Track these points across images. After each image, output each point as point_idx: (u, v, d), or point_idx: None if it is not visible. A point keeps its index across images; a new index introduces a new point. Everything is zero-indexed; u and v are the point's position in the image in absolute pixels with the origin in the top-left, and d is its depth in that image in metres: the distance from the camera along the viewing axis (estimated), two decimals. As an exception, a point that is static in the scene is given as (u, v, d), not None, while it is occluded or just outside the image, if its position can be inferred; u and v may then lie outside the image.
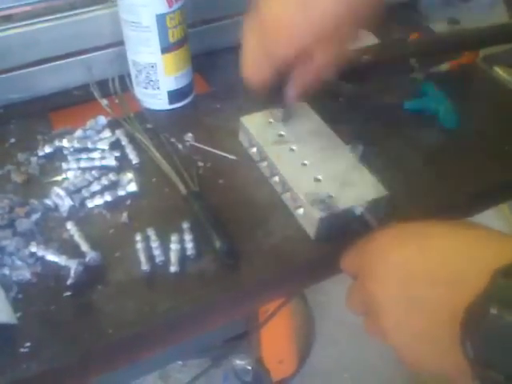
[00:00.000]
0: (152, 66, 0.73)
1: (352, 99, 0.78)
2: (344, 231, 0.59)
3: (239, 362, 1.31)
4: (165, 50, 0.72)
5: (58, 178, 0.67)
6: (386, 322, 0.43)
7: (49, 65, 0.79)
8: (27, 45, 0.76)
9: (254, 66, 0.58)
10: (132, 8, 0.68)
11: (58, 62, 0.79)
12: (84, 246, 0.59)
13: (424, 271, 0.42)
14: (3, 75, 0.77)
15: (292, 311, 1.37)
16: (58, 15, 0.76)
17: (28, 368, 0.50)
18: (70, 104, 0.80)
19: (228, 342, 1.16)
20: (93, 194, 0.64)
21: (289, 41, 0.54)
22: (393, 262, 0.44)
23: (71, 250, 0.59)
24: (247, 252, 0.60)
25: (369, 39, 0.87)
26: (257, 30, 0.56)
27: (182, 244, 0.59)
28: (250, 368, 1.33)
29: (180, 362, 1.55)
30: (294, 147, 0.66)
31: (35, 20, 0.76)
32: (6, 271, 0.57)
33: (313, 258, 0.60)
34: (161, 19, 0.69)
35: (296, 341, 1.44)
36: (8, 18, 0.75)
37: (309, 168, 0.64)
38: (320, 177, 0.63)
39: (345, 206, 0.59)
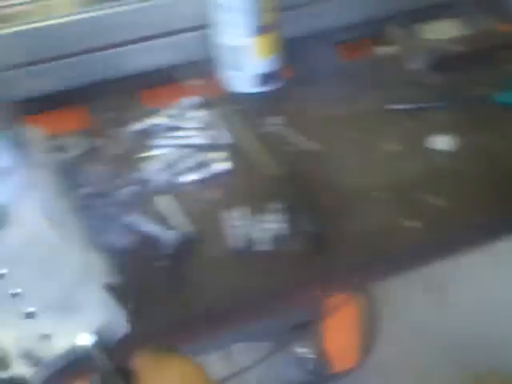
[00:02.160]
0: (242, 49, 0.74)
1: (440, 89, 0.77)
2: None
3: (301, 350, 1.32)
4: (257, 32, 0.72)
5: (150, 154, 0.69)
6: None
7: (141, 45, 0.81)
8: (123, 24, 0.78)
9: None
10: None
11: (149, 42, 0.81)
12: (178, 220, 0.60)
13: None
14: (98, 53, 0.80)
15: (358, 306, 1.36)
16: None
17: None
18: (159, 83, 0.81)
19: (292, 329, 1.16)
20: (186, 170, 0.65)
21: None
22: None
23: (165, 222, 0.60)
24: (336, 236, 0.60)
25: (457, 30, 0.85)
26: None
27: (272, 224, 0.60)
28: (311, 357, 1.33)
29: (242, 344, 1.55)
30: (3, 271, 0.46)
31: (132, 0, 0.77)
32: (106, 238, 0.59)
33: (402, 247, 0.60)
34: (255, 2, 0.69)
35: (359, 335, 1.43)
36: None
37: (20, 299, 0.45)
38: (34, 309, 0.45)
39: (62, 348, 0.44)
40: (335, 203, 0.63)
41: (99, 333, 0.46)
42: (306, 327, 1.11)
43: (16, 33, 0.74)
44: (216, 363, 1.48)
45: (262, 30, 0.72)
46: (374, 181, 0.64)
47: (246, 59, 0.74)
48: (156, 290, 0.55)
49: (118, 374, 0.46)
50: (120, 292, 0.54)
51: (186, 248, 0.58)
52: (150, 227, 0.60)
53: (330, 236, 0.59)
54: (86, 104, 0.80)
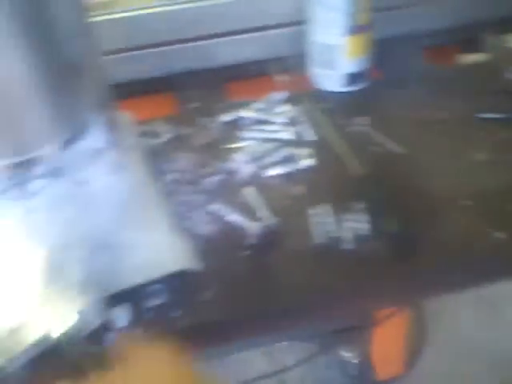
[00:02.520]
0: (335, 47, 0.74)
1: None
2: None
3: (346, 354, 1.31)
4: (351, 32, 0.72)
5: (237, 145, 0.70)
6: None
7: (232, 38, 0.82)
8: (216, 17, 0.80)
9: None
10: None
11: (241, 36, 0.82)
12: (262, 212, 0.61)
13: None
14: (190, 44, 0.81)
15: (407, 316, 1.35)
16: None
17: (208, 315, 0.53)
18: (246, 77, 0.82)
19: (337, 332, 1.15)
20: (271, 164, 0.66)
21: None
22: None
23: (249, 213, 0.61)
24: (419, 242, 0.59)
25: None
26: None
27: (355, 224, 0.60)
28: (356, 362, 1.32)
29: (285, 343, 1.56)
30: None
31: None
32: (190, 224, 0.60)
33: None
34: (353, 1, 0.69)
35: (406, 345, 1.41)
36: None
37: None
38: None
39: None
40: (420, 208, 0.62)
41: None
42: (354, 332, 1.10)
43: (116, 20, 0.77)
44: (258, 360, 1.49)
45: (357, 29, 0.72)
46: (460, 188, 0.63)
47: (337, 58, 0.74)
48: (236, 279, 0.56)
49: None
50: (200, 277, 0.55)
51: (269, 240, 0.59)
52: (235, 217, 0.61)
53: (413, 240, 0.59)
54: (173, 92, 0.82)
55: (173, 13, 0.79)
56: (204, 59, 0.83)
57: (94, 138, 0.59)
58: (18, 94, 0.40)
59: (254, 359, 1.56)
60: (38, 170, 0.62)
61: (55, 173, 0.62)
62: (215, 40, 0.82)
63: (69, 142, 0.45)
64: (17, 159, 0.43)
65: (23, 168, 0.45)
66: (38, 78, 0.40)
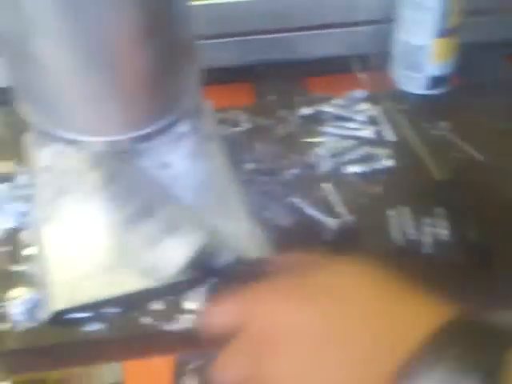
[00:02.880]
0: (422, 49, 0.73)
1: None
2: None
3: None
4: (440, 34, 0.71)
5: (316, 140, 0.70)
6: None
7: (316, 32, 0.82)
8: (301, 10, 0.79)
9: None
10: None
11: (325, 31, 0.81)
12: (339, 208, 0.61)
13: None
14: (271, 35, 0.81)
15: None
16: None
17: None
18: (326, 72, 0.82)
19: None
20: (350, 161, 0.66)
21: None
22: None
23: (327, 208, 0.61)
24: (499, 253, 0.58)
25: None
26: None
27: (434, 228, 0.59)
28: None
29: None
30: None
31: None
32: (268, 215, 0.60)
33: None
34: (446, 2, 0.68)
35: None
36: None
37: None
38: None
39: None
40: (501, 218, 0.61)
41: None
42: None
43: (206, 6, 0.77)
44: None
45: (447, 32, 0.71)
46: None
47: (422, 60, 0.73)
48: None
49: None
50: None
51: (346, 237, 0.59)
52: (312, 211, 0.61)
53: (493, 251, 0.58)
54: (251, 82, 0.82)
55: (258, 3, 0.79)
56: (285, 51, 0.83)
57: (181, 122, 0.60)
58: (133, 68, 0.41)
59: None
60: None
61: (140, 152, 0.64)
62: (299, 33, 0.82)
63: (169, 125, 0.46)
64: (117, 137, 0.44)
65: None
66: (152, 54, 0.41)
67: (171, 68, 0.44)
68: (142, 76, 0.41)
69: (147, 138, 0.45)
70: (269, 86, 0.80)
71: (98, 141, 0.44)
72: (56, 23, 0.37)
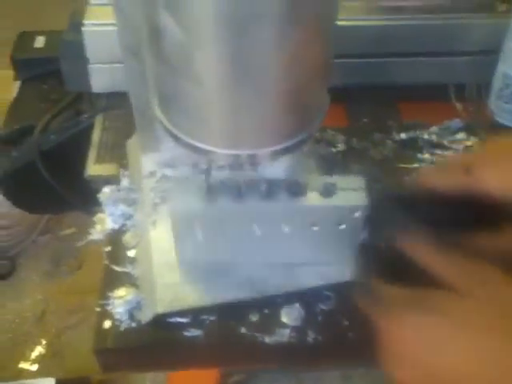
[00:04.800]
0: (525, 83, 0.72)
1: None
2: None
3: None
4: (545, 70, 0.70)
5: (411, 166, 0.69)
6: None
7: (415, 59, 0.82)
8: (405, 36, 0.80)
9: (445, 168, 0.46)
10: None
11: (422, 58, 0.81)
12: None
13: None
14: (367, 59, 0.82)
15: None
16: (442, 15, 0.78)
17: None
18: (421, 98, 0.82)
19: None
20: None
21: None
22: None
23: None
24: None
25: None
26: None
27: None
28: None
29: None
30: None
31: (420, 15, 0.79)
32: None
33: None
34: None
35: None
36: (400, 10, 0.79)
37: None
38: None
39: None
40: None
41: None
42: None
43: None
44: None
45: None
46: None
47: (525, 93, 0.73)
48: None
49: None
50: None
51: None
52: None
53: None
54: (345, 104, 0.83)
55: (357, 28, 0.80)
56: (381, 76, 0.83)
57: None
58: (282, 86, 0.42)
59: None
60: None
61: (238, 166, 0.65)
62: (397, 59, 0.82)
63: (301, 142, 0.47)
64: (252, 151, 0.45)
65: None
66: (300, 72, 0.42)
67: (313, 86, 0.45)
68: (288, 93, 0.43)
69: (280, 153, 0.46)
70: (363, 108, 0.81)
71: (232, 153, 0.45)
72: (221, 42, 0.39)
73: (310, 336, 0.53)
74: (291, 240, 0.53)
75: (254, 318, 0.54)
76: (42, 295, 1.70)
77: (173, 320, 0.54)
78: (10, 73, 0.97)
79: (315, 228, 0.51)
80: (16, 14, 2.12)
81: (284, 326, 0.54)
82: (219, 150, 0.45)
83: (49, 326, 1.61)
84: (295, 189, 0.49)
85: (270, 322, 0.54)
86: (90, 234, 0.63)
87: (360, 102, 0.82)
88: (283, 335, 0.53)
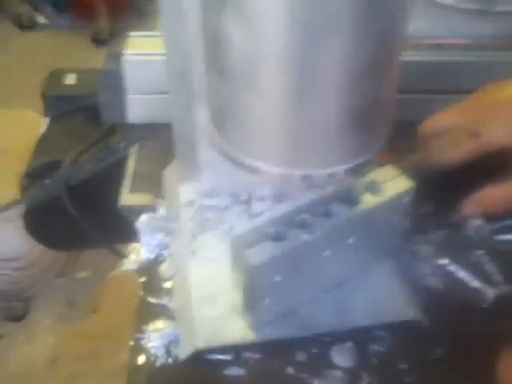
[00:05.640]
0: None
1: None
2: None
3: None
4: None
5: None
6: None
7: (453, 95, 0.79)
8: (444, 73, 0.78)
9: (452, 141, 0.49)
10: None
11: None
12: (496, 276, 0.56)
13: None
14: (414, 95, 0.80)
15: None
16: (481, 52, 0.76)
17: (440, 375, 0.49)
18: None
19: None
20: (506, 229, 0.62)
21: None
22: None
23: (481, 275, 0.57)
24: None
25: None
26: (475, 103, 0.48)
27: None
28: None
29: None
30: None
31: (458, 52, 0.77)
32: (415, 274, 0.57)
33: None
34: None
35: None
36: (439, 47, 0.78)
37: None
38: None
39: None
40: None
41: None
42: None
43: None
44: None
45: None
46: None
47: None
48: (468, 342, 0.52)
49: None
50: (426, 332, 0.52)
51: (504, 309, 0.54)
52: (465, 275, 0.57)
53: None
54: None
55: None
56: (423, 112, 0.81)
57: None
58: (349, 103, 0.40)
59: None
60: (263, 190, 0.63)
61: (278, 197, 0.62)
62: (439, 95, 0.80)
63: (362, 164, 0.44)
64: (312, 171, 0.42)
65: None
66: (369, 90, 0.40)
67: (381, 105, 0.42)
68: (355, 110, 0.40)
69: (338, 175, 0.43)
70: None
71: (292, 173, 0.42)
72: (290, 52, 0.36)
73: (365, 380, 0.48)
74: (355, 250, 0.51)
75: (302, 357, 0.50)
76: (55, 339, 1.65)
77: (213, 357, 0.50)
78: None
79: (373, 227, 0.51)
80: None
81: (335, 367, 0.49)
82: (272, 169, 0.42)
83: (60, 371, 1.55)
84: (348, 197, 0.48)
85: (319, 362, 0.50)
86: (122, 264, 0.59)
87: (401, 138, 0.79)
88: (335, 378, 0.48)
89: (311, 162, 0.42)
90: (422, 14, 0.76)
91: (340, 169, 0.44)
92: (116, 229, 0.73)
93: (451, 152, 0.47)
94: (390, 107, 0.45)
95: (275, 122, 0.40)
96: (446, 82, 0.80)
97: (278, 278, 0.47)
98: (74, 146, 0.88)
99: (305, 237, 0.46)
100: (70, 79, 1.01)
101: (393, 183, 0.50)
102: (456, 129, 0.48)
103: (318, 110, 0.40)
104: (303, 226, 0.46)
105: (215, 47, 0.40)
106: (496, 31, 0.78)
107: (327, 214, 0.47)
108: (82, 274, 1.83)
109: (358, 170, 0.45)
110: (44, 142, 0.94)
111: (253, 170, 0.44)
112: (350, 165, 0.44)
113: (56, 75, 1.02)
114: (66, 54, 2.35)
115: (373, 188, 0.50)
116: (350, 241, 0.50)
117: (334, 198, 0.48)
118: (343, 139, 0.42)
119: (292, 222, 0.47)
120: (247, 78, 0.39)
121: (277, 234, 0.46)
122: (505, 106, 0.45)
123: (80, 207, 0.80)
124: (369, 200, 0.49)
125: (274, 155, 0.42)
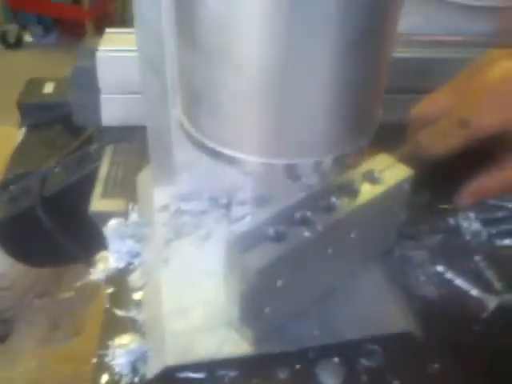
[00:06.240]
0: None
1: None
2: None
3: None
4: None
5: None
6: None
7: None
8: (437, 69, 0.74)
9: (441, 131, 0.46)
10: None
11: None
12: (496, 284, 0.52)
13: None
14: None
15: None
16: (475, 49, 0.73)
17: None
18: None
19: None
20: (503, 234, 0.57)
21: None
22: None
23: (480, 282, 0.52)
24: None
25: None
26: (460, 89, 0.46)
27: None
28: None
29: None
30: None
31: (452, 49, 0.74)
32: (408, 282, 0.52)
33: None
34: None
35: None
36: (433, 44, 0.75)
37: None
38: None
39: None
40: None
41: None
42: None
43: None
44: None
45: None
46: None
47: None
48: (466, 355, 0.47)
49: None
50: (421, 345, 0.47)
51: (503, 317, 0.50)
52: (463, 283, 0.52)
53: None
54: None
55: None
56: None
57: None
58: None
59: None
60: (243, 195, 0.58)
61: (259, 201, 0.57)
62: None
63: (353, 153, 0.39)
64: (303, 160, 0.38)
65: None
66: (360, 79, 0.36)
67: (372, 90, 0.38)
68: (347, 90, 0.36)
69: (324, 165, 0.39)
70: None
71: (274, 163, 0.38)
72: (268, 17, 0.32)
73: (355, 398, 0.43)
74: (357, 245, 0.47)
75: (283, 374, 0.45)
76: (37, 362, 1.58)
77: (184, 375, 0.45)
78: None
79: (375, 218, 0.47)
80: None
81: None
82: (251, 158, 0.37)
83: (41, 396, 1.49)
84: (347, 189, 0.44)
85: (303, 380, 0.44)
86: (88, 273, 0.54)
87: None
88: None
89: (295, 150, 0.37)
90: (416, 9, 0.73)
91: (327, 158, 0.39)
92: (93, 241, 0.69)
93: (440, 143, 0.44)
94: (379, 94, 0.41)
95: (255, 102, 0.36)
96: (440, 79, 0.76)
97: (279, 283, 0.42)
98: (50, 157, 0.84)
99: (306, 234, 0.41)
100: (49, 87, 0.97)
101: (391, 171, 0.47)
102: (446, 115, 0.44)
103: (303, 89, 0.35)
104: (303, 223, 0.42)
105: (187, 11, 0.36)
106: (491, 28, 0.75)
107: (328, 209, 0.42)
108: (66, 295, 1.77)
109: (347, 160, 0.40)
110: (19, 153, 0.90)
111: (230, 161, 0.39)
112: (337, 153, 0.39)
113: (34, 84, 0.99)
114: (53, 71, 2.32)
115: (371, 177, 0.46)
116: (353, 235, 0.45)
117: (332, 191, 0.44)
118: (330, 124, 0.38)
119: (291, 220, 0.42)
120: (223, 48, 0.35)
121: (276, 233, 0.41)
122: (498, 88, 0.41)
123: (56, 220, 0.76)
124: (369, 190, 0.45)
125: (253, 142, 0.38)
